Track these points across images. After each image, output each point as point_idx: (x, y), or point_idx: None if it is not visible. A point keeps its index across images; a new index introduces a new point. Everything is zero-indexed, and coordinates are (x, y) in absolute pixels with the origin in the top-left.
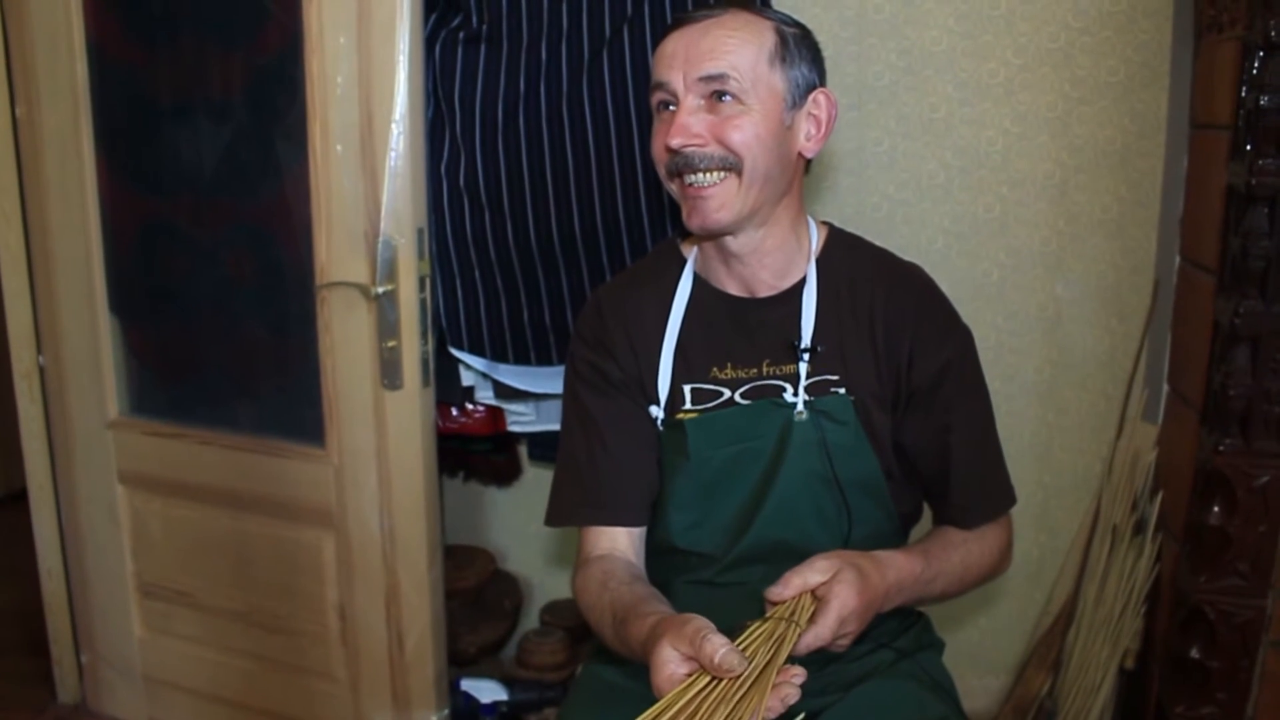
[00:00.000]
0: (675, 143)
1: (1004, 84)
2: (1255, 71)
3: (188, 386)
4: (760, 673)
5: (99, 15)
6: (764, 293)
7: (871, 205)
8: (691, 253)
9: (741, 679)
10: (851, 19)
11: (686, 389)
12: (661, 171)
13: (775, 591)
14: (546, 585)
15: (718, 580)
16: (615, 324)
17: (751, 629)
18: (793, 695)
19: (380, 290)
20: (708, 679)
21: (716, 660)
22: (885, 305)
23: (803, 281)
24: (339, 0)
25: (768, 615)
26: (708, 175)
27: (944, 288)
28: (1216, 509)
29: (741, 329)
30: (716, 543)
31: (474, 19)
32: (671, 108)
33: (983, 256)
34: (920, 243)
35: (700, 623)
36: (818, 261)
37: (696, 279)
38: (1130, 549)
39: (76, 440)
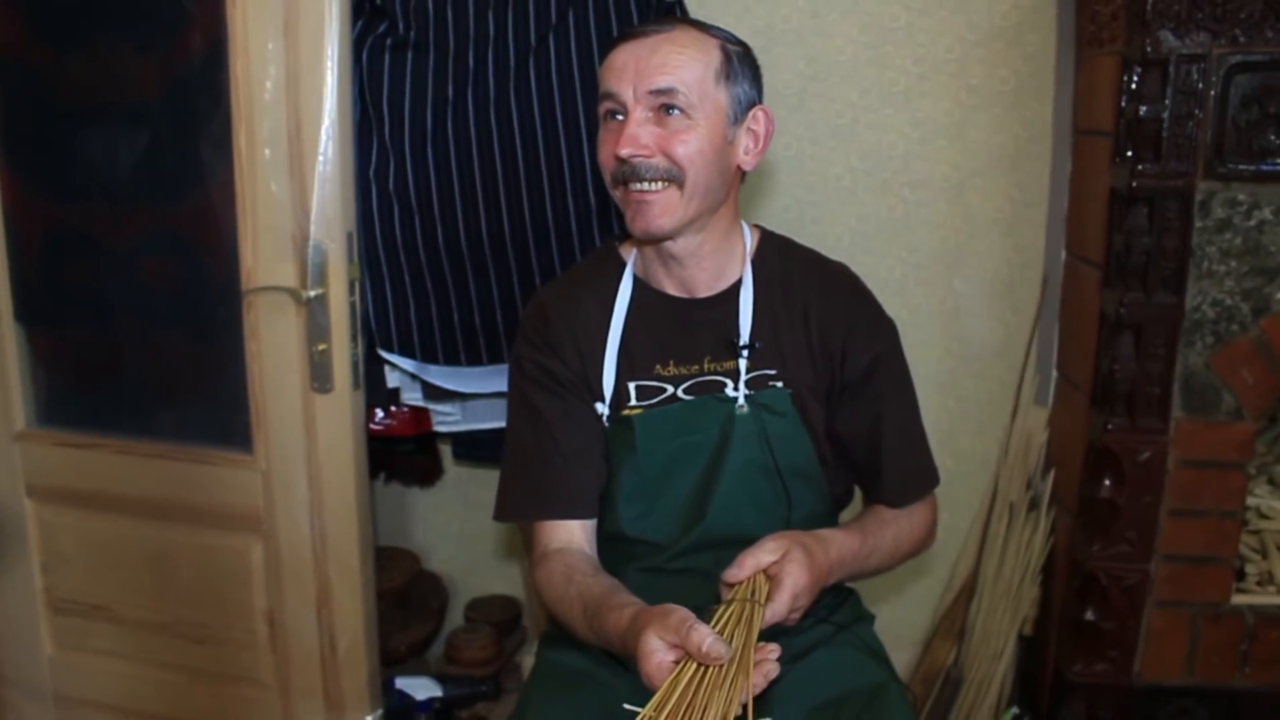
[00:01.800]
0: (625, 152)
1: (904, 92)
2: (1135, 85)
3: (104, 395)
4: (740, 654)
5: (3, 19)
6: (703, 293)
7: (782, 206)
8: (630, 255)
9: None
10: (761, 29)
11: (631, 386)
12: (607, 178)
13: (731, 574)
14: (470, 583)
15: (667, 567)
16: (560, 325)
17: (720, 613)
18: (774, 670)
19: (311, 294)
20: (695, 666)
21: (705, 649)
22: (818, 303)
23: (739, 282)
24: (265, 5)
25: (728, 598)
26: (652, 184)
27: None
28: (1107, 483)
29: (682, 328)
30: (665, 531)
31: (401, 26)
32: (619, 117)
33: (886, 254)
34: (828, 242)
35: (683, 613)
36: (752, 263)
37: (636, 281)
38: (1026, 524)
39: None
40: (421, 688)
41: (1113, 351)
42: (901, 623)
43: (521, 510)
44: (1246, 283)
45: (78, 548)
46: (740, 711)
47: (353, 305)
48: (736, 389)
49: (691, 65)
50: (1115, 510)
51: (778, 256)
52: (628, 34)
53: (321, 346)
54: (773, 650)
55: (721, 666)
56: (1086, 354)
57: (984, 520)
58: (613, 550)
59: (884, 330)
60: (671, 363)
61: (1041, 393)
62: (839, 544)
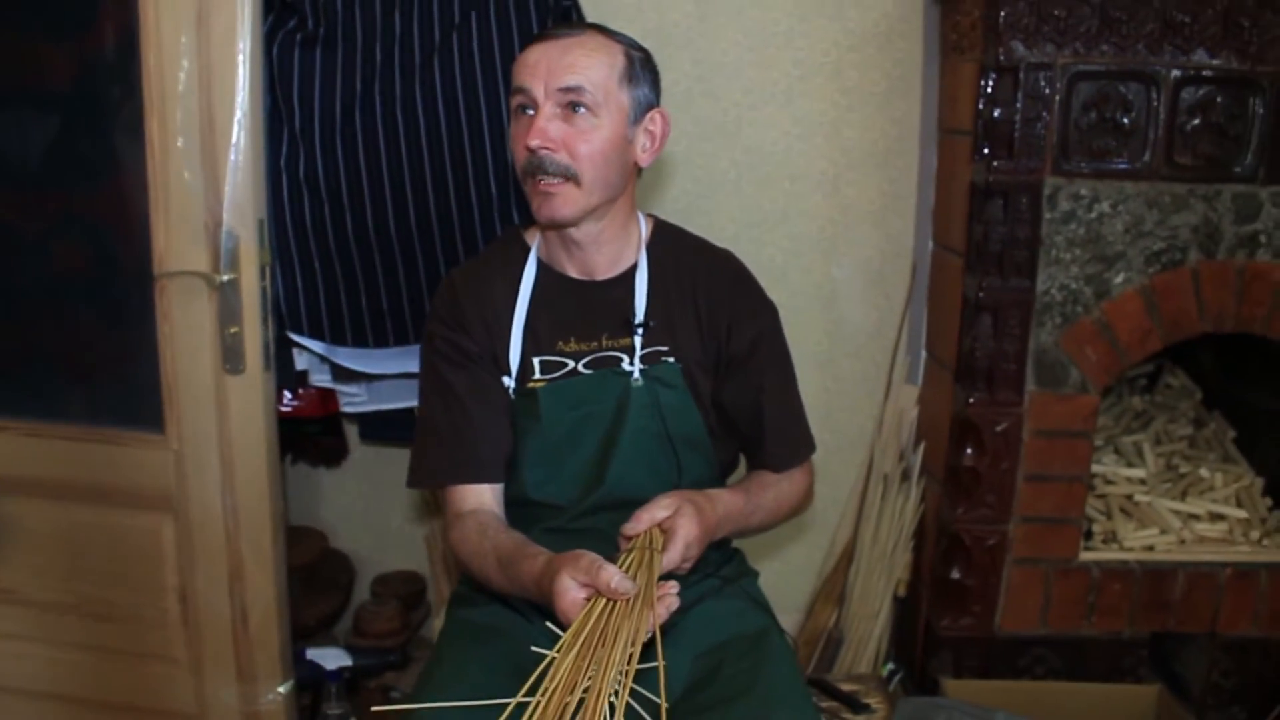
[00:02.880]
0: (534, 144)
1: (785, 92)
2: (990, 89)
3: (14, 379)
4: (644, 590)
5: None
6: (601, 276)
7: (671, 198)
8: (535, 241)
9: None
10: (653, 30)
11: (536, 361)
12: (518, 169)
13: (629, 527)
14: (375, 559)
15: (570, 527)
16: (469, 304)
17: (621, 561)
18: (675, 602)
19: (224, 278)
20: (604, 602)
21: (613, 585)
22: (706, 286)
23: (635, 266)
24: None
25: (626, 548)
26: (554, 178)
27: None
28: (969, 451)
29: (583, 307)
30: (567, 494)
31: (310, 22)
32: (530, 111)
33: (768, 243)
34: (714, 230)
35: (592, 556)
36: (647, 249)
37: (540, 264)
38: (899, 493)
39: None
40: (332, 658)
41: (973, 332)
42: (786, 588)
43: (434, 476)
44: (1089, 269)
45: None
46: (648, 637)
47: (264, 289)
48: (632, 364)
49: (598, 67)
50: (977, 477)
51: (670, 243)
52: (542, 35)
53: (234, 329)
54: (672, 586)
55: (628, 601)
56: (951, 335)
57: (861, 491)
58: (518, 514)
59: (765, 311)
60: (573, 339)
61: (912, 372)
62: (725, 502)
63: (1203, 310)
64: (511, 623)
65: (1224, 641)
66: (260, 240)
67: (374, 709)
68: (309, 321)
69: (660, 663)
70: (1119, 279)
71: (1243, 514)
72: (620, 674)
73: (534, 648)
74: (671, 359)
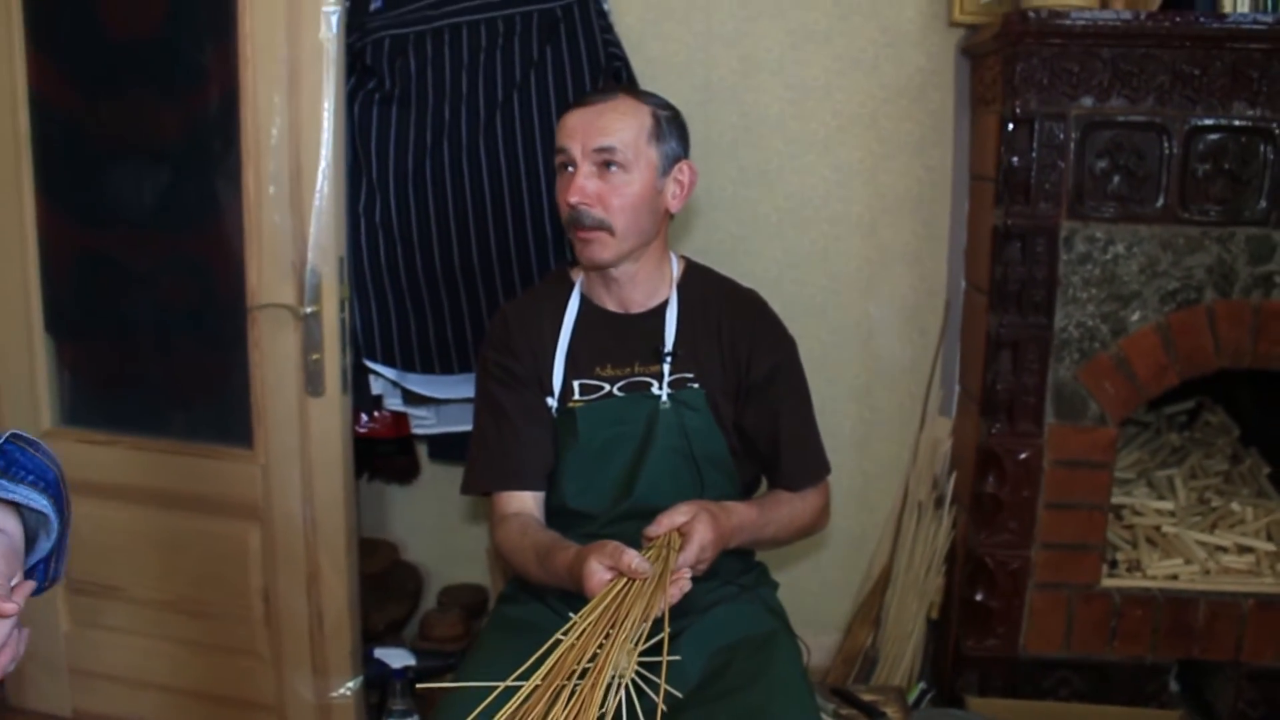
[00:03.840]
0: (574, 200)
1: (824, 141)
2: (1009, 139)
3: (123, 399)
4: (659, 577)
5: (42, 69)
6: (636, 309)
7: (718, 240)
8: (579, 278)
9: (648, 580)
10: (700, 86)
11: (576, 384)
12: (562, 218)
13: (651, 530)
14: (442, 572)
15: (601, 533)
16: (519, 332)
17: (643, 553)
18: (687, 584)
19: (308, 310)
20: (624, 581)
21: (634, 565)
22: (730, 320)
23: (666, 301)
24: (271, 64)
25: (647, 548)
26: (591, 229)
27: (777, 307)
28: (991, 479)
29: (618, 337)
30: (600, 504)
31: (387, 83)
32: (570, 169)
33: (808, 282)
34: (757, 271)
35: (616, 543)
36: (678, 286)
37: (583, 298)
38: (933, 520)
39: None
40: (398, 658)
41: (995, 366)
42: (826, 610)
43: (484, 483)
44: (1105, 307)
45: (94, 534)
46: (659, 614)
47: (343, 321)
48: (660, 388)
49: (628, 128)
50: (999, 504)
51: (699, 281)
52: (578, 101)
53: (315, 356)
54: (684, 573)
55: (644, 581)
56: (978, 369)
57: (897, 518)
58: (556, 521)
59: (784, 344)
60: (609, 365)
61: (946, 405)
62: (740, 513)
63: (1219, 347)
64: (547, 618)
65: (1249, 671)
66: (340, 277)
67: (417, 685)
68: (383, 350)
69: (665, 632)
70: (1135, 316)
71: (1270, 546)
72: (632, 644)
73: (570, 614)
74: (696, 385)
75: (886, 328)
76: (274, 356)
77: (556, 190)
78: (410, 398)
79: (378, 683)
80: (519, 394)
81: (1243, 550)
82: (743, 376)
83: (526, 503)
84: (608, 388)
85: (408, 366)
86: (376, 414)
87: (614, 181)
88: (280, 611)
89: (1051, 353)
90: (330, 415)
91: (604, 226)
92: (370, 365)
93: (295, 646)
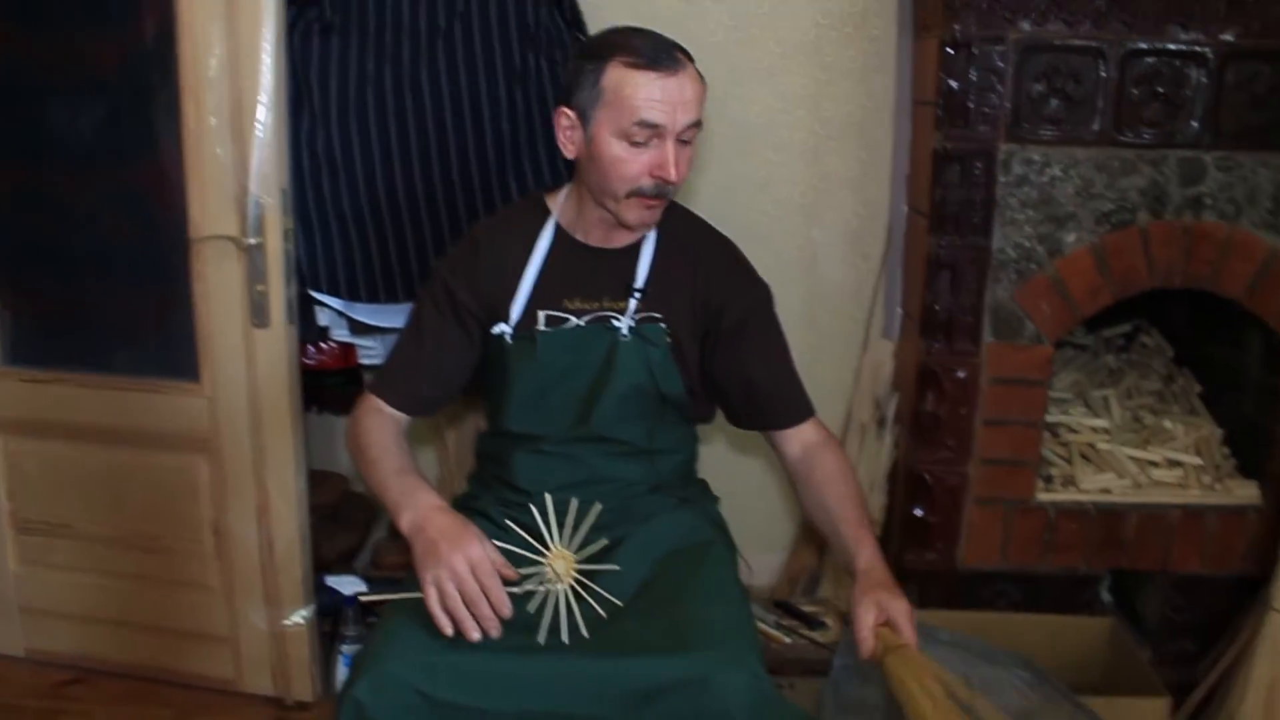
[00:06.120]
0: (672, 176)
1: (768, 69)
2: (948, 64)
3: (67, 337)
4: (913, 662)
5: None
6: (615, 245)
7: None
8: (556, 206)
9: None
10: (644, 15)
11: (541, 314)
12: (627, 185)
13: (865, 651)
14: None
15: (549, 450)
16: (486, 256)
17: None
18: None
19: (251, 241)
20: None
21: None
22: (706, 266)
23: (644, 239)
24: None
25: (878, 661)
26: (663, 200)
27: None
28: (930, 397)
29: (590, 271)
30: (552, 428)
31: (327, 11)
32: (644, 142)
33: (752, 208)
34: (700, 197)
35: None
36: (658, 227)
37: (558, 228)
38: (875, 441)
39: None
40: (349, 585)
41: (934, 287)
42: (771, 531)
43: (384, 395)
44: (1041, 229)
45: (41, 472)
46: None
47: (287, 251)
48: (622, 322)
49: (700, 98)
50: (937, 421)
51: (679, 224)
52: (655, 65)
53: (260, 287)
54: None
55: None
56: (918, 291)
57: (841, 439)
58: (501, 442)
59: (757, 291)
60: (578, 299)
61: (889, 327)
62: (871, 551)
63: (1152, 267)
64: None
65: (1175, 579)
66: (284, 207)
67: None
68: (328, 280)
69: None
70: (1071, 238)
71: (1198, 461)
72: (571, 553)
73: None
74: (663, 324)
75: (830, 253)
76: (218, 289)
77: (622, 161)
78: (356, 328)
79: (330, 610)
80: (448, 322)
81: (1172, 465)
82: (712, 322)
83: (401, 420)
84: (574, 321)
85: (353, 296)
86: (324, 346)
87: (687, 154)
88: (231, 543)
89: (989, 273)
90: (276, 346)
91: (668, 195)
92: (316, 295)
93: (247, 577)
